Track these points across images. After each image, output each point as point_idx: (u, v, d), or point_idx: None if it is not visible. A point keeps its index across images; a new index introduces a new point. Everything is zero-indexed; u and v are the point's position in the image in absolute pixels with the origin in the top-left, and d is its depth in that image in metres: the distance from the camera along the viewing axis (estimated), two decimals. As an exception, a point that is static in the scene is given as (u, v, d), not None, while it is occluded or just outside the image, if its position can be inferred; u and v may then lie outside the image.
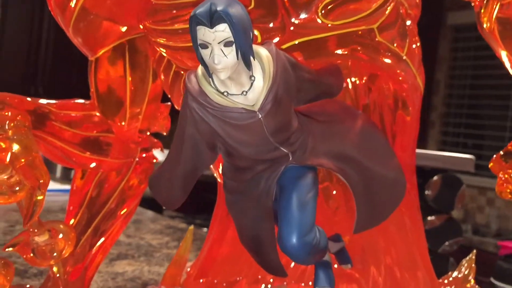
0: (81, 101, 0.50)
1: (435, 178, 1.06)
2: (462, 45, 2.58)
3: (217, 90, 0.33)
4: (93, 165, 0.50)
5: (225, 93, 0.33)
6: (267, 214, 0.37)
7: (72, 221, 0.52)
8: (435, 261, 0.53)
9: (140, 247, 0.89)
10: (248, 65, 0.32)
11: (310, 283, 0.49)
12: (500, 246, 0.95)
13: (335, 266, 0.48)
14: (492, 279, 0.92)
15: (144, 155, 0.54)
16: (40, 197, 0.39)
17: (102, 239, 0.53)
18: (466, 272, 0.59)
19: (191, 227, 0.58)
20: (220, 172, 0.42)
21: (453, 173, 1.12)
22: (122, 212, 0.53)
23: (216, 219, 0.53)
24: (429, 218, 1.18)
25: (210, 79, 0.33)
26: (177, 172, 0.37)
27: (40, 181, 0.39)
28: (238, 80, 0.32)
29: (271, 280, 0.52)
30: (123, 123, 0.50)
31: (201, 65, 0.33)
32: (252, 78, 0.33)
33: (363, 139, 0.39)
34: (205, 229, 2.43)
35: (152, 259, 0.83)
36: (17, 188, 0.39)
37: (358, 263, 0.49)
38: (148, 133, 0.54)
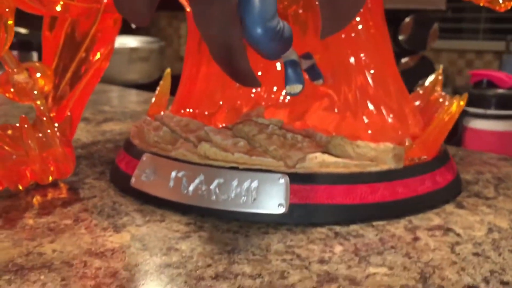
0: None
1: (407, 19, 1.07)
2: None
3: None
4: (58, 8, 0.51)
5: None
6: (233, 19, 0.38)
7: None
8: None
9: (125, 113, 0.92)
10: None
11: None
12: (470, 75, 0.98)
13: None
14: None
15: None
16: (10, 22, 0.39)
17: (81, 86, 0.54)
18: (433, 84, 0.62)
19: (168, 69, 0.60)
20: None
21: (425, 13, 1.13)
22: (96, 58, 0.55)
23: (189, 56, 0.55)
24: (403, 60, 1.21)
25: None
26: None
27: (6, 10, 0.39)
28: None
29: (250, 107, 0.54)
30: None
31: None
32: None
33: None
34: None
35: (137, 120, 0.85)
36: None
37: (329, 79, 0.51)
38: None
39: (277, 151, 0.43)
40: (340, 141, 0.45)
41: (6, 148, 0.41)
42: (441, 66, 0.66)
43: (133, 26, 0.51)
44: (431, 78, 0.64)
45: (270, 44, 0.36)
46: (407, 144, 0.46)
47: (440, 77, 0.63)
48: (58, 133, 0.46)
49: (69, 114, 0.52)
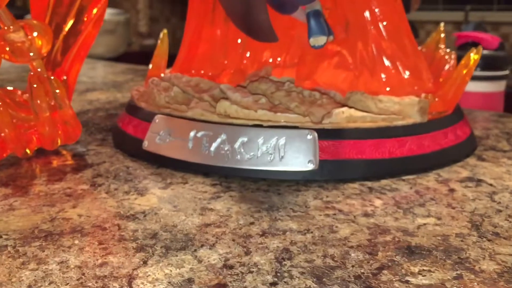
0: None
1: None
2: None
3: None
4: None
5: None
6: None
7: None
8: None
9: (106, 83, 0.88)
10: None
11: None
12: (456, 37, 0.98)
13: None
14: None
15: None
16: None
17: (76, 48, 0.51)
18: (435, 41, 0.61)
19: (165, 30, 0.57)
20: None
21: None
22: (92, 15, 0.51)
23: (192, 18, 0.52)
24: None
25: None
26: None
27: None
28: None
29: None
30: None
31: None
32: None
33: None
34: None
35: (122, 89, 0.82)
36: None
37: (340, 35, 0.49)
38: None
39: (299, 107, 0.41)
40: (360, 96, 0.43)
41: (11, 111, 0.38)
42: (442, 24, 0.65)
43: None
44: (432, 36, 0.63)
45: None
46: (427, 98, 0.45)
47: (442, 35, 0.62)
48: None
49: (65, 78, 0.49)
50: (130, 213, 0.32)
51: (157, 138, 0.42)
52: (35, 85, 0.38)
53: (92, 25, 0.51)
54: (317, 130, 0.39)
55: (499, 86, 0.94)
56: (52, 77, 0.40)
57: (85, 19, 0.51)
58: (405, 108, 0.42)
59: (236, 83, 0.51)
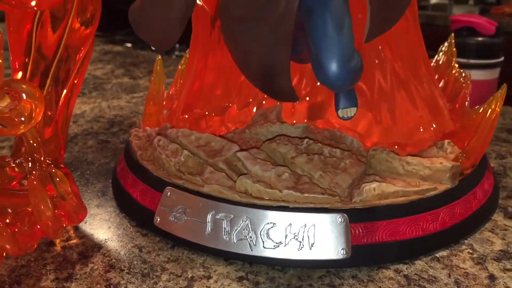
0: None
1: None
2: None
3: None
4: (33, 3, 0.41)
5: None
6: (286, 39, 0.31)
7: (21, 75, 0.44)
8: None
9: (86, 81, 0.82)
10: None
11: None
12: (451, 21, 0.94)
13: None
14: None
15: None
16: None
17: (65, 91, 0.46)
18: (448, 56, 0.58)
19: (159, 56, 0.51)
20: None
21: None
22: (80, 55, 0.46)
23: (196, 49, 0.47)
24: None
25: None
26: (174, 6, 0.30)
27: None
28: None
29: (264, 102, 0.48)
30: None
31: None
32: None
33: None
34: (129, 44, 2.30)
35: (105, 92, 0.76)
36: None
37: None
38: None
39: (324, 178, 0.38)
40: (386, 156, 0.40)
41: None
42: (452, 34, 0.61)
43: (153, 48, 0.42)
44: (443, 47, 0.60)
45: (346, 84, 0.30)
46: (457, 159, 0.42)
47: (454, 49, 0.59)
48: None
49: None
50: None
51: (171, 216, 0.38)
52: (34, 182, 0.33)
53: (79, 68, 0.46)
54: (347, 211, 0.36)
55: (493, 74, 0.92)
56: (53, 170, 0.35)
57: (73, 63, 0.46)
58: (435, 174, 0.39)
59: (244, 121, 0.48)
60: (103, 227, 0.41)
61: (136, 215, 0.42)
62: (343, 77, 0.29)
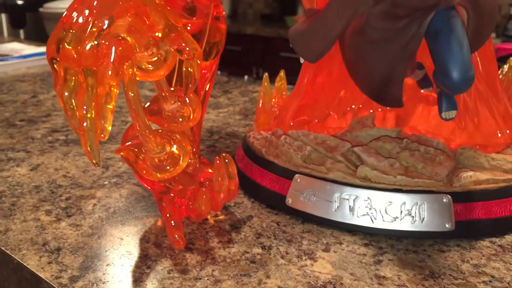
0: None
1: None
2: None
3: None
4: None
5: None
6: (409, 56, 0.41)
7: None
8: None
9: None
10: None
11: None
12: (496, 49, 1.03)
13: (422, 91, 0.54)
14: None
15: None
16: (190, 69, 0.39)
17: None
18: (509, 77, 0.67)
19: (266, 74, 0.61)
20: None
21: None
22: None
23: (306, 69, 0.57)
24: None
25: None
26: (337, 28, 0.40)
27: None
28: None
29: (359, 110, 0.57)
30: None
31: None
32: None
33: None
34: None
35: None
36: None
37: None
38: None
39: (426, 168, 0.47)
40: (474, 153, 0.49)
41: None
42: (511, 58, 0.70)
43: (302, 61, 0.52)
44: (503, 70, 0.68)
45: (466, 87, 0.39)
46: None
47: (513, 71, 0.67)
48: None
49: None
50: (319, 284, 0.38)
51: (301, 197, 0.48)
52: (219, 169, 0.43)
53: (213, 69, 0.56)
54: (450, 194, 0.45)
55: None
56: (223, 154, 0.45)
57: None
58: (517, 167, 0.48)
59: (341, 128, 0.57)
60: (240, 207, 0.50)
61: (267, 198, 0.51)
62: (465, 82, 0.38)
